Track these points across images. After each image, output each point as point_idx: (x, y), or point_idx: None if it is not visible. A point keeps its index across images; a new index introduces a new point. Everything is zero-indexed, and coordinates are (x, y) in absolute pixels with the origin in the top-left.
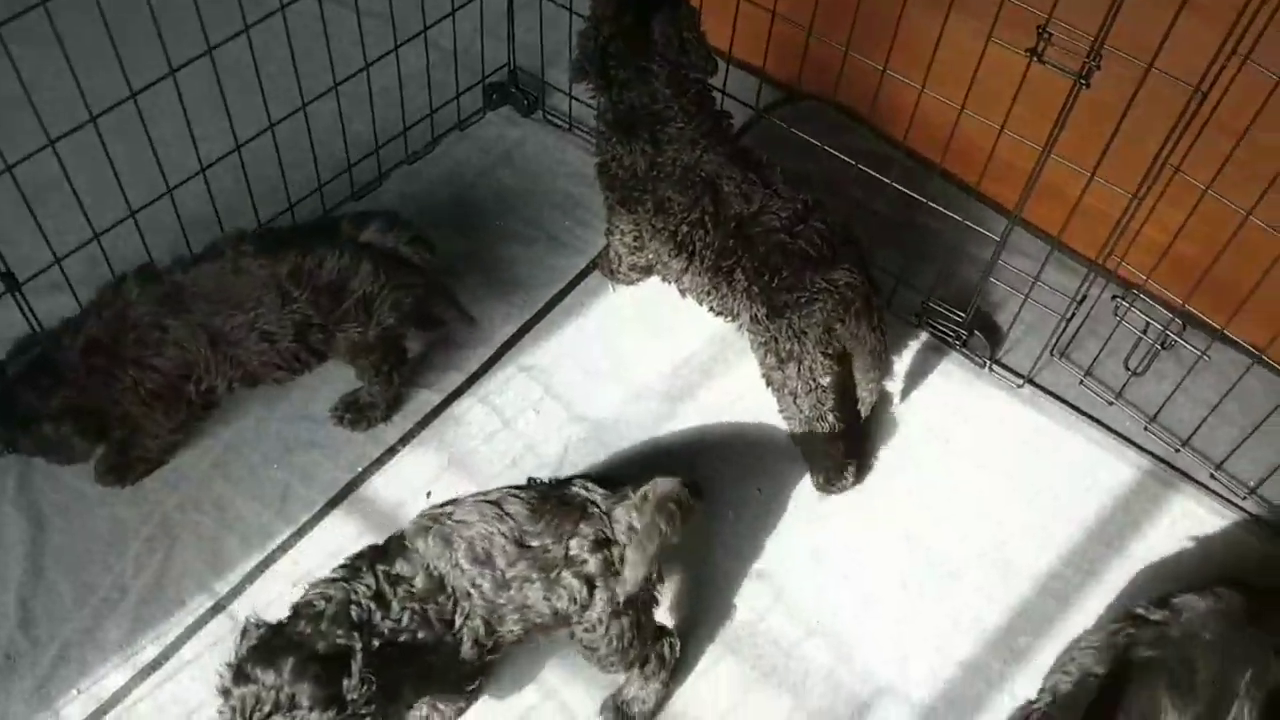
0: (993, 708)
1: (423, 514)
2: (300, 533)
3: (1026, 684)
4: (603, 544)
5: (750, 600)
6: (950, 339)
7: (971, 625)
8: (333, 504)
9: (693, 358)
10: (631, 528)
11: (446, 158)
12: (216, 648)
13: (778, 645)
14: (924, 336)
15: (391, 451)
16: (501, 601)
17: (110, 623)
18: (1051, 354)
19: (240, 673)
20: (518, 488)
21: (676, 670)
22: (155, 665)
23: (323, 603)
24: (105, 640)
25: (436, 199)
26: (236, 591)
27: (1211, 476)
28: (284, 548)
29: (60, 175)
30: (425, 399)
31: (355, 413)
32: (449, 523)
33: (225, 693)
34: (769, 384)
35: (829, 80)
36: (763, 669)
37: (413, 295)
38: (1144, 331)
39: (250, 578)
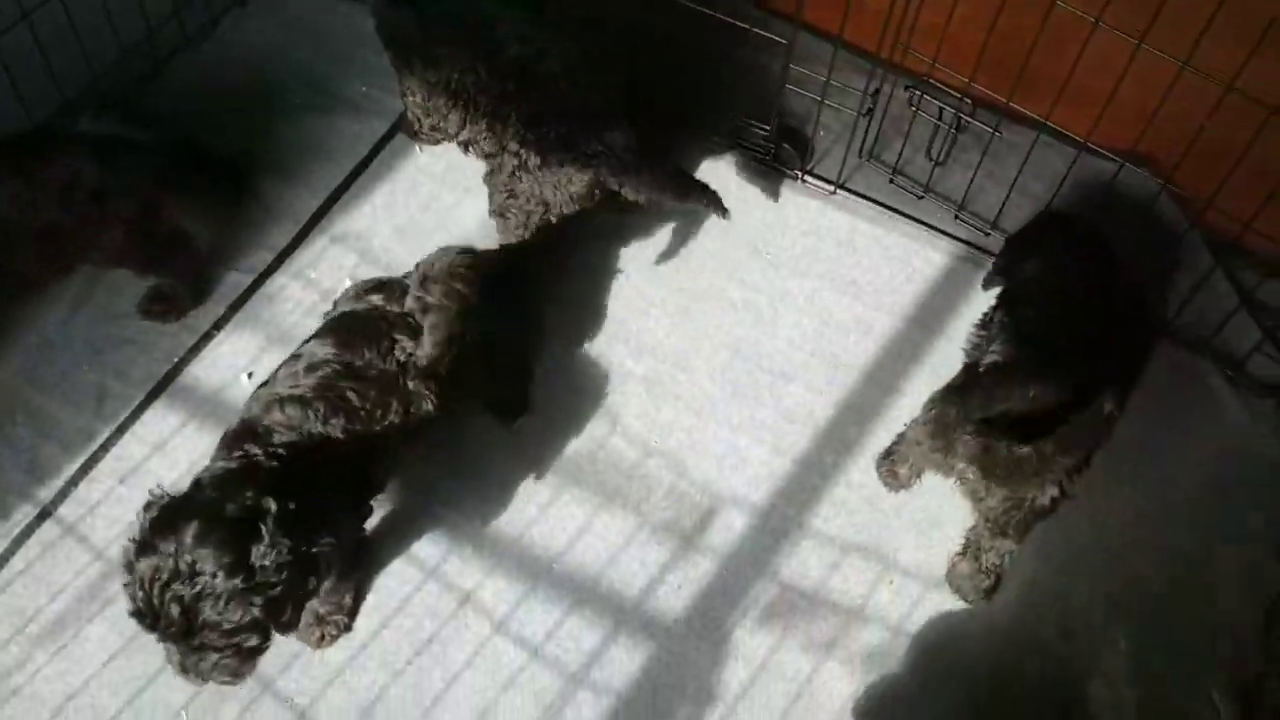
0: (830, 498)
1: (254, 396)
2: (122, 429)
3: (859, 473)
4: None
5: (589, 431)
6: (759, 155)
7: (805, 422)
8: (152, 397)
9: None
10: (428, 306)
11: (230, 38)
12: (48, 554)
13: (618, 469)
14: (736, 156)
15: (207, 338)
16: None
17: None
18: (860, 157)
19: (143, 544)
20: (310, 338)
21: (524, 504)
22: None
23: (224, 468)
24: None
25: (225, 81)
26: (62, 495)
27: None
28: (106, 446)
29: None
30: (236, 281)
31: (162, 304)
32: (285, 390)
33: (129, 567)
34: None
35: None
36: (606, 493)
37: (146, 176)
38: (939, 118)
39: (74, 480)
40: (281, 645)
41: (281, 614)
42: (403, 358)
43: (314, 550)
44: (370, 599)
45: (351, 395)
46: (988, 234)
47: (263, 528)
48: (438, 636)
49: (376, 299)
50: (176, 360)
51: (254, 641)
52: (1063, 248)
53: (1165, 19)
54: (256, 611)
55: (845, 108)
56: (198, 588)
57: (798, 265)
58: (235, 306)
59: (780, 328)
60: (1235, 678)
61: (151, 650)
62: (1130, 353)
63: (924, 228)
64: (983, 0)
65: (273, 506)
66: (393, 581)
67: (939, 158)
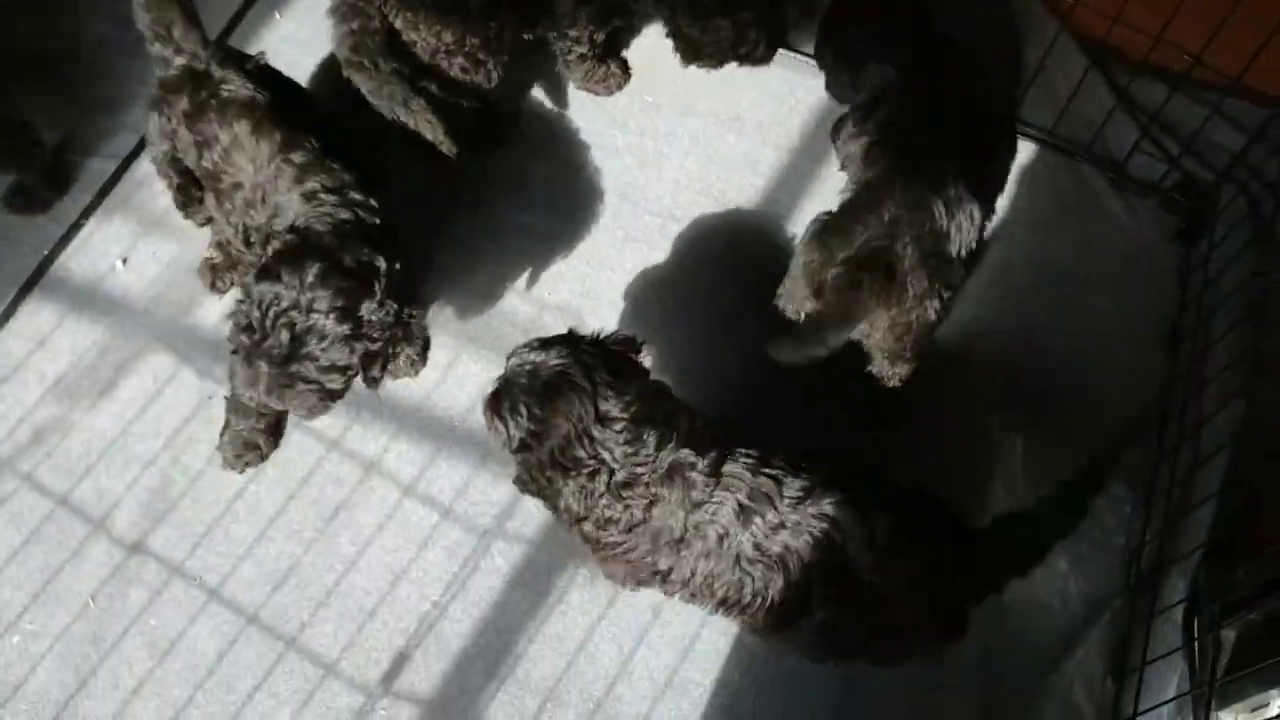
0: (727, 336)
1: None
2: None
3: (754, 313)
4: None
5: (481, 289)
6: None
7: (702, 260)
8: (25, 290)
9: None
10: None
11: None
12: None
13: (514, 324)
14: None
15: (76, 227)
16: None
17: None
18: None
19: (265, 269)
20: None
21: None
22: None
23: (340, 218)
24: None
25: None
26: None
27: None
28: None
29: None
30: (102, 168)
31: (23, 197)
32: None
33: (246, 291)
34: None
35: None
36: (504, 349)
37: None
38: None
39: None
40: (185, 526)
41: (372, 366)
42: None
43: (410, 316)
44: (272, 472)
45: None
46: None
47: (375, 285)
48: (345, 504)
49: None
50: (46, 253)
51: (338, 384)
52: (908, 53)
53: None
54: (354, 359)
55: None
56: (311, 322)
57: (678, 105)
58: (103, 193)
59: (666, 169)
60: (1130, 472)
61: (53, 542)
62: (993, 156)
63: (803, 58)
64: None
65: (383, 266)
66: (294, 454)
67: None
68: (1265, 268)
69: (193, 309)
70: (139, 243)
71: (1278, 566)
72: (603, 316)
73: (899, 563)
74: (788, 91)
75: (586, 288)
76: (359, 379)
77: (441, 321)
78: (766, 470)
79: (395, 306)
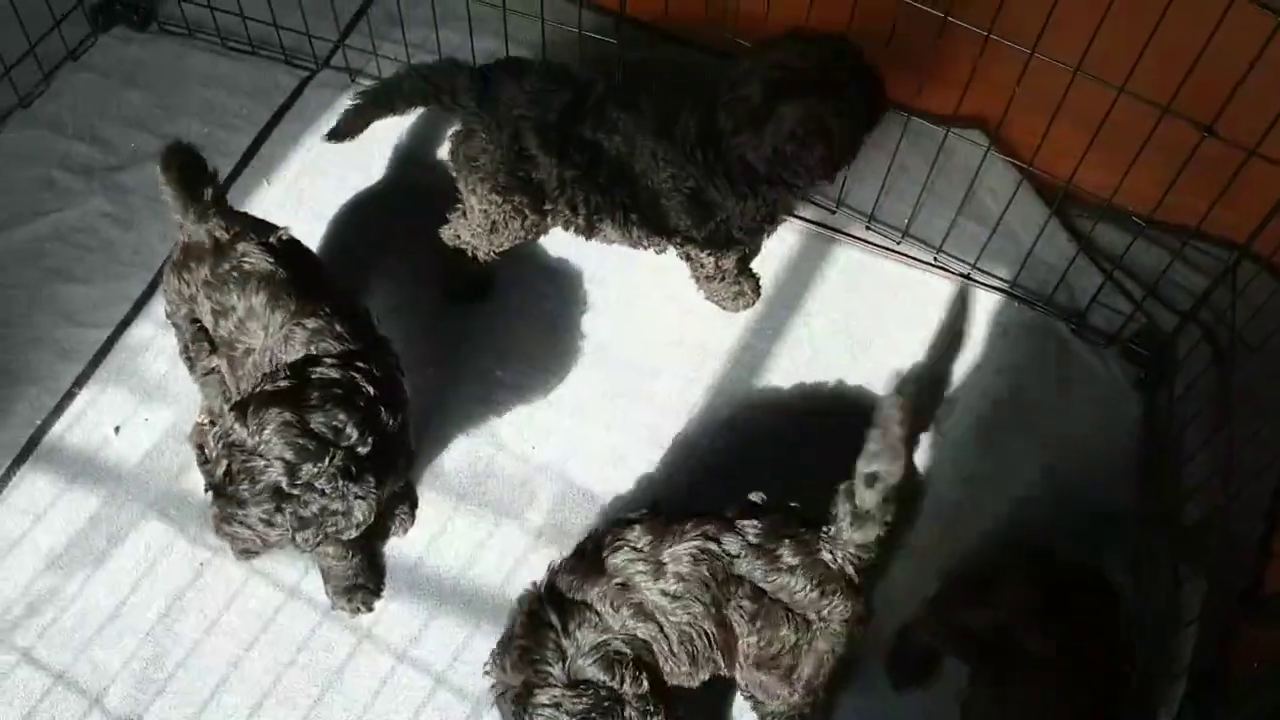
0: (710, 487)
1: None
2: None
3: (740, 452)
4: None
5: (467, 447)
6: None
7: (680, 411)
8: (18, 463)
9: (366, 231)
10: None
11: (64, 92)
12: None
13: (501, 480)
14: None
15: (69, 396)
16: None
17: None
18: None
19: (238, 405)
20: None
21: (414, 531)
22: None
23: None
24: None
25: (62, 134)
26: None
27: (868, 228)
28: None
29: None
30: (93, 337)
31: None
32: None
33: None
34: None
35: None
36: (494, 507)
37: None
38: None
39: None
40: (180, 695)
41: (304, 529)
42: None
43: (358, 497)
44: (265, 637)
45: None
46: (833, 211)
47: (329, 455)
48: (340, 670)
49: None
50: (39, 423)
51: (267, 535)
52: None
53: None
54: (280, 516)
55: None
56: (251, 464)
57: (654, 262)
58: (95, 362)
59: (645, 323)
60: None
61: (46, 717)
62: None
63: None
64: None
65: (350, 438)
66: (287, 619)
67: None
68: (1228, 419)
69: (184, 476)
70: (132, 411)
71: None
72: (587, 472)
73: None
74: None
75: (573, 441)
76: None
77: (429, 479)
78: None
79: (343, 484)
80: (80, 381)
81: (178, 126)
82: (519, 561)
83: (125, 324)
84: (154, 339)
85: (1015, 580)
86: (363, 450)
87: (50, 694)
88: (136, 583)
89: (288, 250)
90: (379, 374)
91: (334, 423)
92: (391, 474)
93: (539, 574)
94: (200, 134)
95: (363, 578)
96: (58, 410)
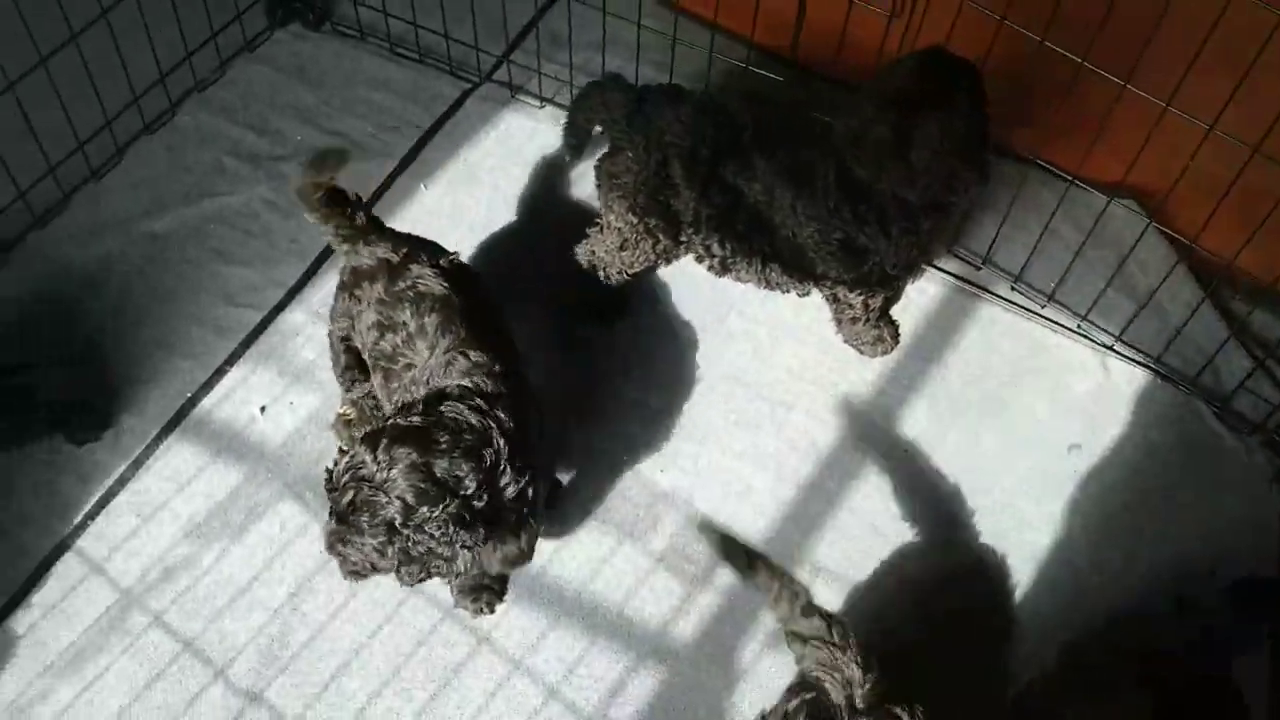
0: (835, 525)
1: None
2: (137, 464)
3: (862, 497)
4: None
5: (597, 464)
6: None
7: (807, 450)
8: (166, 431)
9: (512, 244)
10: None
11: (238, 81)
12: (66, 586)
13: (626, 499)
14: None
15: (220, 373)
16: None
17: None
18: None
19: (370, 436)
20: None
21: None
22: (6, 612)
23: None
24: None
25: (234, 122)
26: (80, 529)
27: (1012, 289)
28: (122, 480)
29: None
30: (248, 318)
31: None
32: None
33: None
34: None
35: None
36: (617, 525)
37: None
38: None
39: (91, 514)
40: (301, 676)
41: (407, 566)
42: None
43: (466, 547)
44: (388, 627)
45: None
46: (979, 267)
47: (445, 504)
48: (458, 669)
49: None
50: (189, 395)
51: (365, 565)
52: None
53: (1150, 58)
54: (389, 550)
55: None
56: (373, 498)
57: (794, 298)
58: (246, 343)
59: (780, 357)
60: None
61: (174, 682)
62: None
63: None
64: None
65: (468, 490)
66: (410, 614)
67: None
68: None
69: (323, 461)
70: (279, 393)
71: None
72: (712, 498)
73: None
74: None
75: (698, 468)
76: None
77: (558, 492)
78: None
79: (453, 530)
80: (232, 359)
81: (343, 124)
82: (639, 583)
83: (279, 309)
84: (305, 326)
85: (1129, 680)
86: (477, 504)
87: (178, 660)
88: (269, 560)
89: (459, 274)
90: (512, 428)
91: (456, 471)
92: (500, 528)
93: (659, 597)
94: (364, 133)
95: (488, 579)
96: (208, 385)
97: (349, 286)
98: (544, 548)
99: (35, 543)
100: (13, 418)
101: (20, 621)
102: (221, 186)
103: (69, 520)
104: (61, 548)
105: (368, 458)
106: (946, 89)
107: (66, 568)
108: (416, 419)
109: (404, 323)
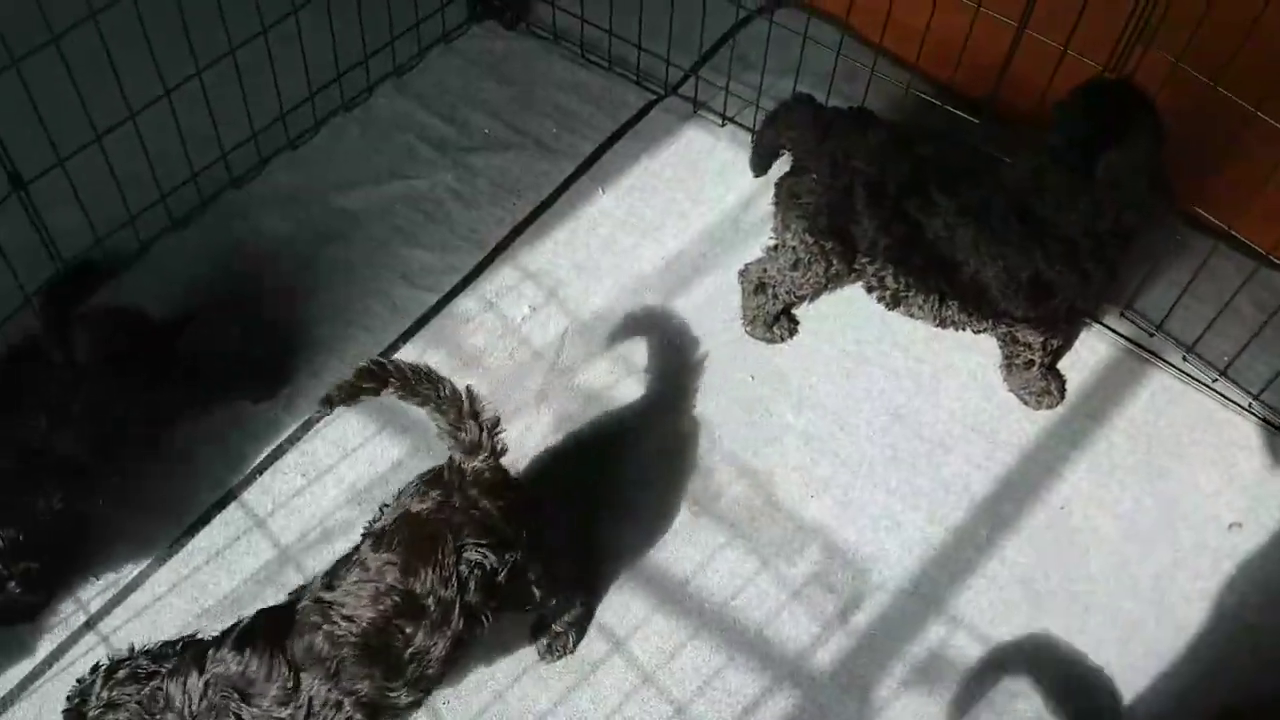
0: (985, 573)
1: (313, 603)
2: (307, 425)
3: (1015, 550)
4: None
5: (748, 482)
6: None
7: (961, 494)
8: None
9: (683, 255)
10: None
11: (433, 70)
12: (230, 535)
13: (775, 522)
14: None
15: (392, 348)
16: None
17: (125, 514)
18: None
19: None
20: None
21: (682, 553)
22: (170, 552)
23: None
24: (123, 529)
25: (426, 109)
26: (248, 482)
27: (1184, 359)
28: (292, 440)
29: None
30: (423, 299)
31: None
32: (338, 620)
33: None
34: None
35: None
36: (762, 544)
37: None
38: None
39: (260, 469)
40: None
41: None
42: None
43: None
44: (527, 618)
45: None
46: (1152, 334)
47: None
48: (596, 665)
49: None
50: None
51: None
52: None
53: None
54: None
55: None
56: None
57: (963, 340)
58: (420, 322)
59: (942, 398)
60: None
61: None
62: None
63: (1090, 321)
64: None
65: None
66: None
67: None
68: None
69: None
70: (447, 374)
71: None
72: (860, 528)
73: None
74: (1072, 348)
75: (849, 499)
76: None
77: (707, 502)
78: None
79: None
80: (405, 337)
81: (529, 121)
82: (781, 607)
83: (452, 294)
84: (476, 314)
85: None
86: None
87: None
88: None
89: None
90: None
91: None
92: None
93: (799, 622)
94: (548, 132)
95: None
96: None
97: None
98: (693, 557)
99: (204, 491)
100: (197, 371)
101: (184, 563)
102: (410, 170)
103: (238, 473)
104: (228, 498)
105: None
106: (1126, 118)
107: (231, 518)
108: None
109: None
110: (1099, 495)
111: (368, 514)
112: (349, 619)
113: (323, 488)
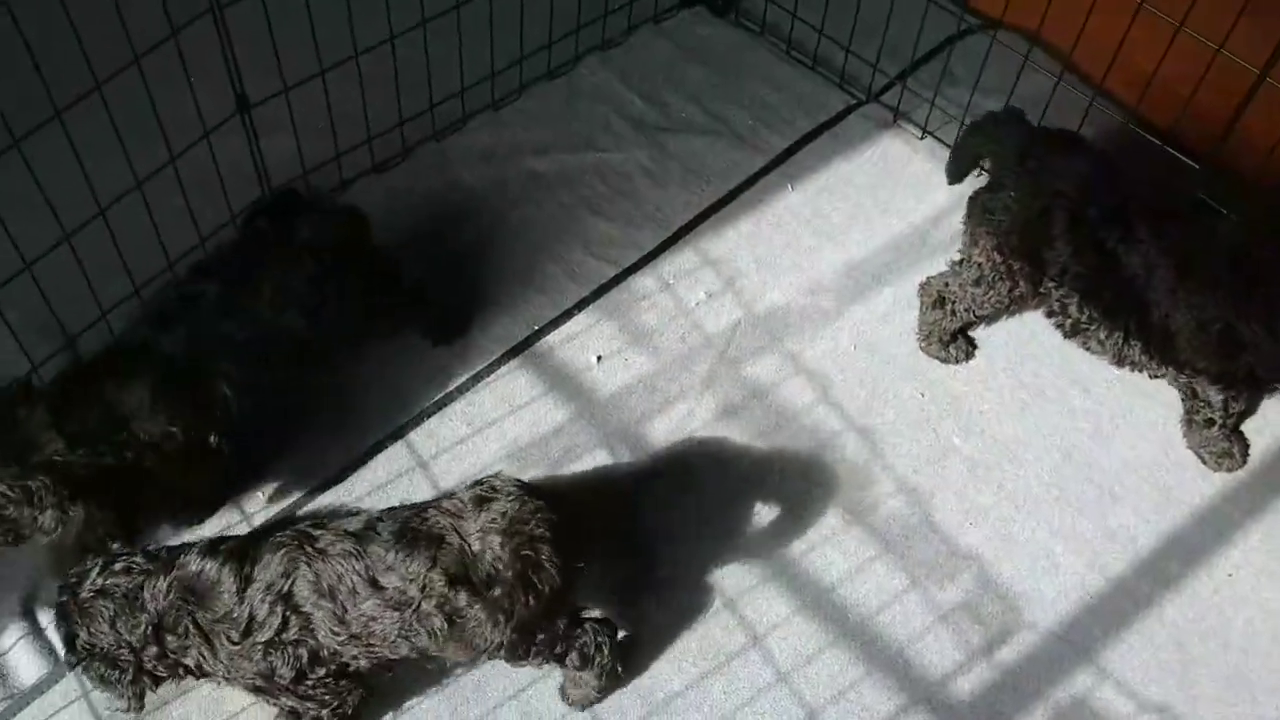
0: (1140, 629)
1: (290, 531)
2: (476, 378)
3: (1175, 611)
4: (459, 580)
5: (907, 499)
6: None
7: (1126, 545)
8: (509, 355)
9: (865, 263)
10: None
11: (639, 48)
12: (392, 471)
13: (929, 545)
14: None
15: (567, 315)
16: (338, 634)
17: (301, 442)
18: None
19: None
20: (381, 516)
21: (830, 561)
22: (338, 479)
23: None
24: (295, 459)
25: (627, 85)
26: (415, 423)
27: None
28: (461, 389)
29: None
30: (602, 270)
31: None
32: (308, 549)
33: None
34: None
35: None
36: (914, 565)
37: None
38: None
39: (429, 413)
40: None
41: None
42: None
43: None
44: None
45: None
46: None
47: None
48: (733, 656)
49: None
50: (536, 328)
51: None
52: None
53: None
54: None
55: None
56: None
57: (1146, 387)
58: (598, 293)
59: (1118, 445)
60: None
61: None
62: None
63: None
64: None
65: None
66: (686, 597)
67: None
68: None
69: (644, 423)
70: (617, 349)
71: None
72: (1016, 565)
73: None
74: (1259, 413)
75: (1011, 533)
76: None
77: (863, 512)
78: None
79: None
80: (581, 305)
81: (726, 110)
82: (926, 629)
83: (631, 270)
84: (652, 292)
85: None
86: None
87: None
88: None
89: None
90: None
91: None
92: None
93: (943, 648)
94: (744, 124)
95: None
96: (555, 323)
97: None
98: (838, 567)
99: (375, 426)
100: (393, 305)
101: (347, 491)
102: (604, 143)
103: (408, 413)
104: (396, 435)
105: None
106: None
107: (396, 454)
108: None
109: None
110: (1271, 568)
111: (523, 473)
112: (320, 552)
113: (485, 440)
